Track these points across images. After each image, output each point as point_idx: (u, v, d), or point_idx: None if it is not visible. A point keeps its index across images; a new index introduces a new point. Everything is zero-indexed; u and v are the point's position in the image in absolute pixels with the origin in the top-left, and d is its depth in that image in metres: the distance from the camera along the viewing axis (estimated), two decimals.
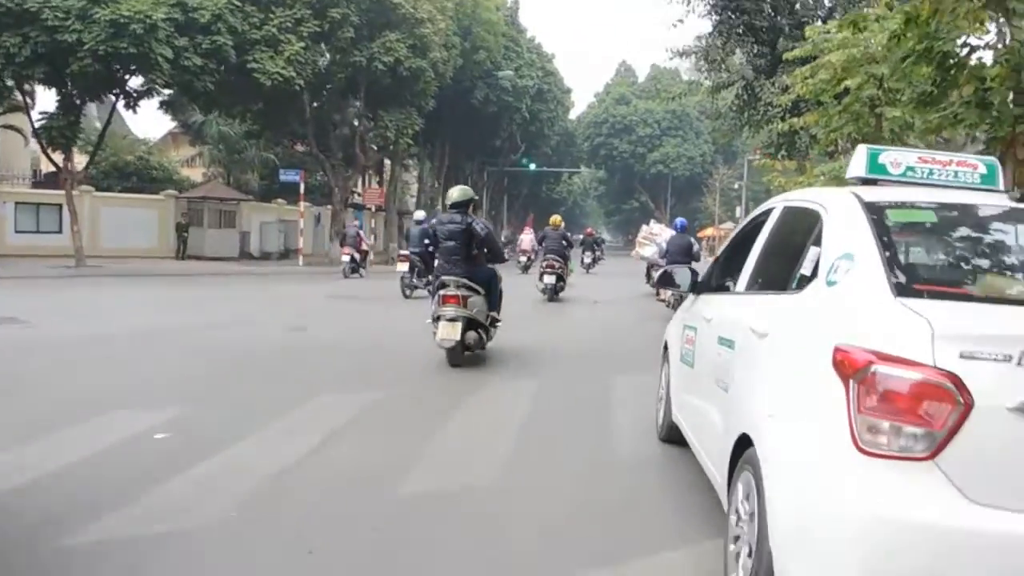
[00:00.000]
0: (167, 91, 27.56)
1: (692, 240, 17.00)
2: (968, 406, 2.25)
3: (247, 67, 25.45)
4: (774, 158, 23.06)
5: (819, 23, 18.63)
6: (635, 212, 74.74)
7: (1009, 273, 2.94)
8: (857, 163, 3.62)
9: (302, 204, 31.34)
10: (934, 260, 3.04)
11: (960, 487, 2.26)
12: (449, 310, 8.41)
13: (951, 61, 10.53)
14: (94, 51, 21.29)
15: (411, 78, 29.39)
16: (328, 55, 29.01)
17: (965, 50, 10.22)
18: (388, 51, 28.22)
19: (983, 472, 2.27)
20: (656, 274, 9.75)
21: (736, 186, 59.04)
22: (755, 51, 23.09)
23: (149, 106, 40.58)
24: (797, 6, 22.97)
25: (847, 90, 16.33)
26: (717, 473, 3.69)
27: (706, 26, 24.58)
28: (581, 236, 31.84)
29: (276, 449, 5.17)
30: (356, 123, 30.98)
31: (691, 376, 4.70)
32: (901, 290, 2.57)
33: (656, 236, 22.14)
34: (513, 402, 6.95)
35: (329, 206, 32.41)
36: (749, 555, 2.90)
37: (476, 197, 8.82)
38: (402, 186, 49.18)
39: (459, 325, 8.35)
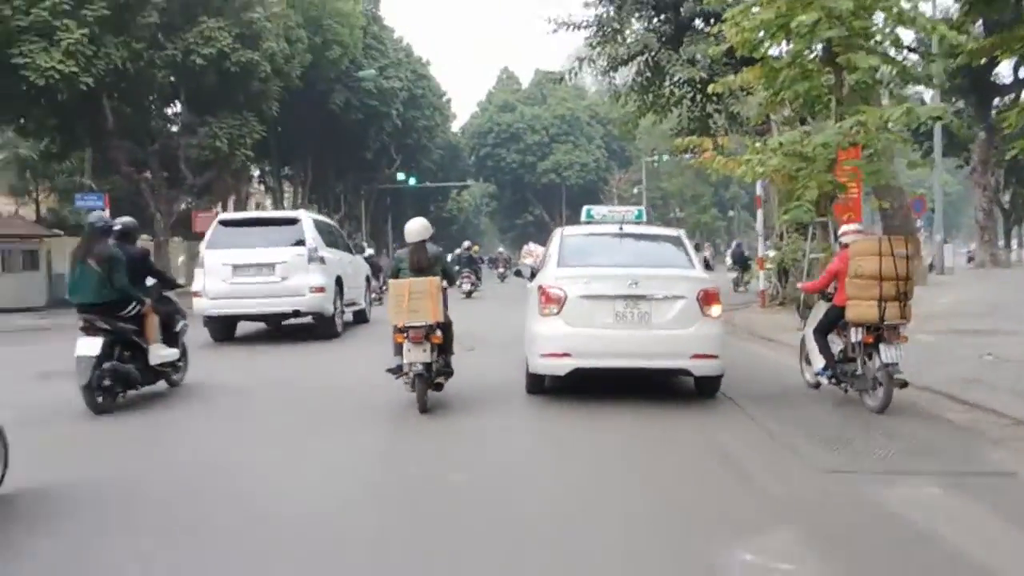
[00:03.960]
0: None
1: None
2: (567, 297, 7.59)
3: (12, 63, 19.52)
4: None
5: None
6: (529, 226, 70.38)
7: (601, 256, 8.44)
8: (584, 215, 9.64)
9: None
10: (577, 254, 8.39)
11: (567, 321, 7.59)
12: None
13: None
14: None
15: (242, 74, 23.86)
16: (141, 49, 23.14)
17: None
18: (208, 41, 22.69)
19: (572, 316, 7.59)
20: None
21: (635, 191, 55.69)
22: (656, 18, 18.87)
23: None
24: None
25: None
26: (527, 349, 8.39)
27: None
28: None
29: None
30: (177, 132, 25.09)
31: (527, 317, 9.10)
32: (560, 264, 8.20)
33: (533, 251, 27.95)
34: None
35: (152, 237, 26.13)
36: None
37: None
38: (257, 208, 43.02)
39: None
